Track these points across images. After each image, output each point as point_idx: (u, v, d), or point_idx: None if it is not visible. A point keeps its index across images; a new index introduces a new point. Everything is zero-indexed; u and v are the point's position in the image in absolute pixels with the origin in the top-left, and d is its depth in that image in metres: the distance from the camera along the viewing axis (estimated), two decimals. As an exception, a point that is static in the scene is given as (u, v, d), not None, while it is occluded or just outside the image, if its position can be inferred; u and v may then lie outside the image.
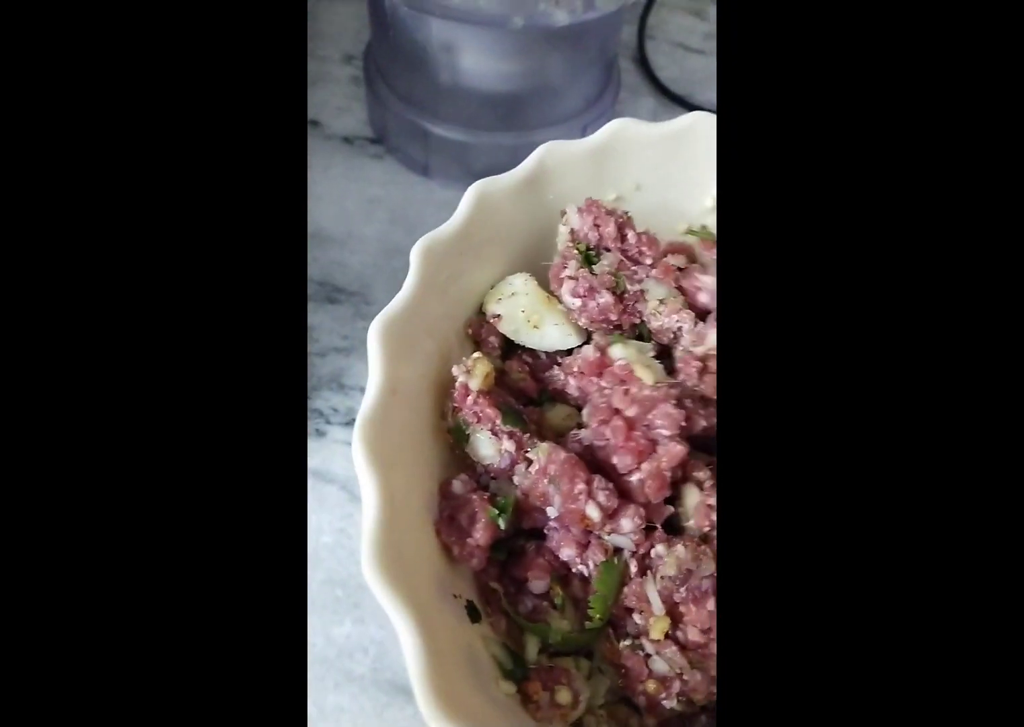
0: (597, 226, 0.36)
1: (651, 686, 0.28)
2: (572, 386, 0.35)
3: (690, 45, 0.67)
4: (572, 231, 0.36)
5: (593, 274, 0.35)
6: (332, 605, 0.38)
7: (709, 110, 0.61)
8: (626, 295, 0.35)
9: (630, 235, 0.36)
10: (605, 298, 0.34)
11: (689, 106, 0.61)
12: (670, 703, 0.28)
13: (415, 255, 0.33)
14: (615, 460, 0.31)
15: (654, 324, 0.35)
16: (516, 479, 0.32)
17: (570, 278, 0.35)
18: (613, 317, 0.35)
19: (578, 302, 0.35)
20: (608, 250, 0.36)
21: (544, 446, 0.31)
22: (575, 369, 0.35)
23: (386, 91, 0.54)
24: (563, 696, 0.28)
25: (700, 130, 0.39)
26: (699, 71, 0.65)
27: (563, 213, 0.37)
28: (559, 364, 0.36)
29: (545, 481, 0.30)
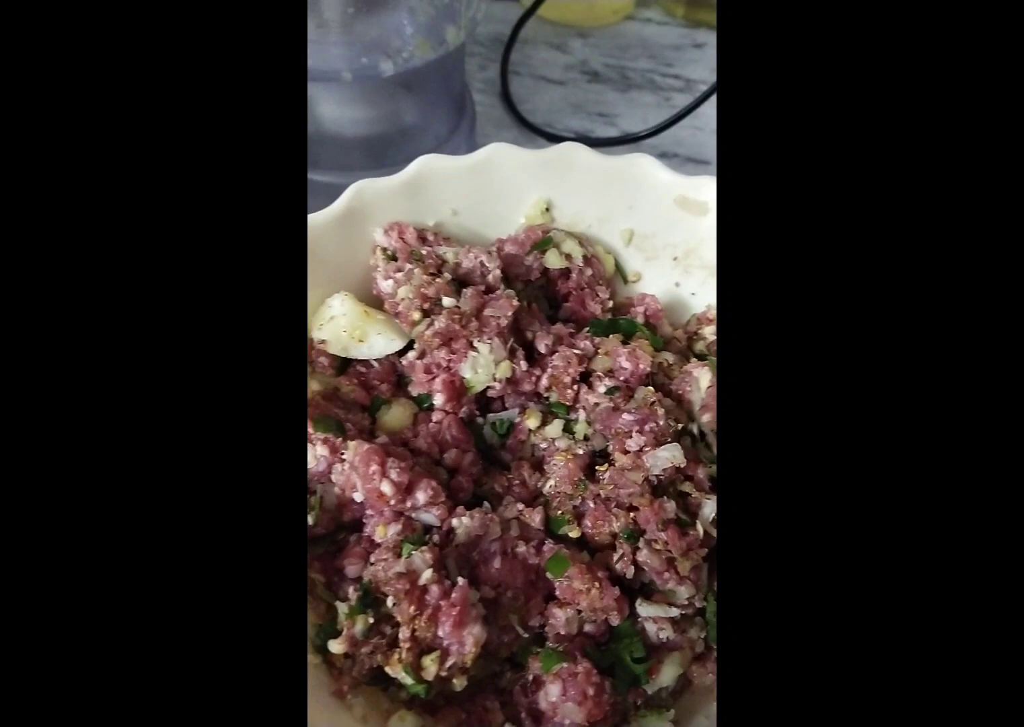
0: (402, 238, 0.41)
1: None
2: (420, 376, 0.39)
3: (551, 77, 0.73)
4: (382, 249, 0.41)
5: (396, 260, 0.41)
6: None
7: (567, 137, 0.67)
8: (426, 263, 0.40)
9: (430, 237, 0.41)
10: (410, 265, 0.40)
11: (548, 135, 0.67)
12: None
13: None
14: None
15: (462, 268, 0.41)
16: (335, 477, 0.36)
17: (380, 271, 0.41)
18: (424, 276, 0.39)
19: (391, 283, 0.40)
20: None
21: (352, 444, 0.35)
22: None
23: (259, 143, 0.60)
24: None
25: (499, 158, 0.44)
26: (558, 101, 0.71)
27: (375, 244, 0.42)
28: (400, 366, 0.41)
29: (352, 473, 0.34)
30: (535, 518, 0.35)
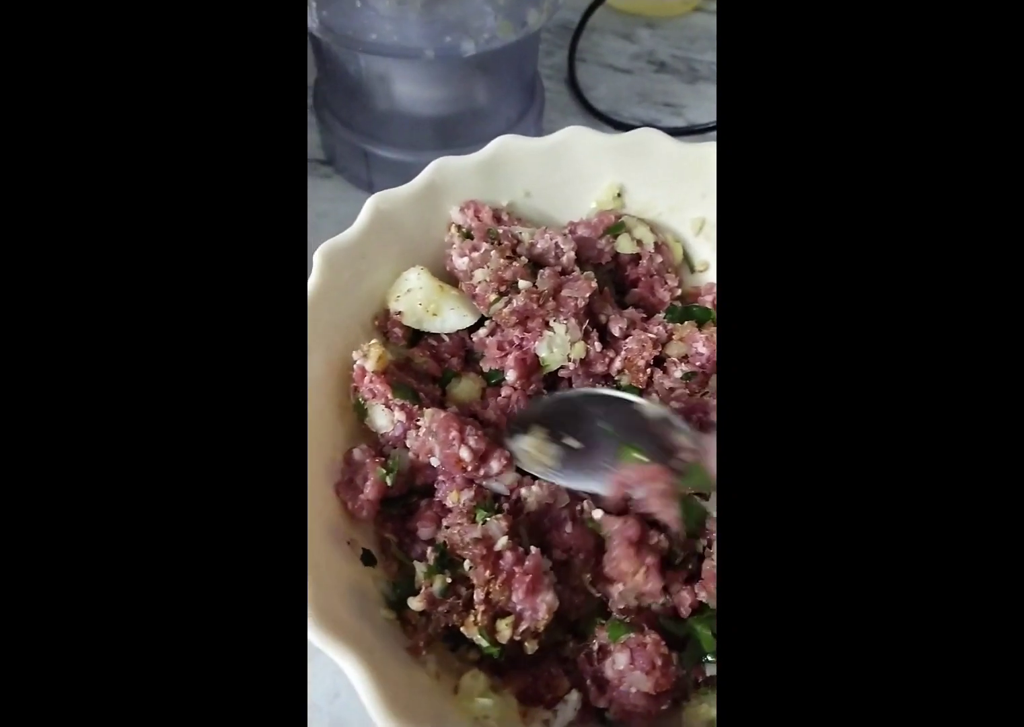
0: (478, 216, 0.42)
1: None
2: (493, 352, 0.40)
3: (618, 66, 0.73)
4: (457, 227, 0.42)
5: (471, 238, 0.42)
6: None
7: (633, 125, 0.68)
8: (502, 244, 0.41)
9: (504, 216, 0.42)
10: (486, 244, 0.41)
11: (614, 123, 0.67)
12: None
13: (317, 258, 0.38)
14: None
15: (537, 249, 0.41)
16: (409, 442, 0.37)
17: (455, 249, 0.42)
18: (501, 260, 0.40)
19: (466, 260, 0.41)
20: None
21: (429, 411, 0.36)
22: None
23: (331, 118, 0.61)
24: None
25: (575, 142, 0.44)
26: (624, 89, 0.71)
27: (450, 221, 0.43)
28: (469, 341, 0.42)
29: (430, 438, 0.35)
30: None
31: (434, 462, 0.35)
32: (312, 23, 0.50)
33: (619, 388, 0.39)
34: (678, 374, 0.38)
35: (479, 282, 0.40)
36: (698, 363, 0.38)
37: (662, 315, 0.41)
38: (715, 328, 0.40)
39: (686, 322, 0.40)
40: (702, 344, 0.38)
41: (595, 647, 0.33)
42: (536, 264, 0.42)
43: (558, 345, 0.38)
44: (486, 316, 0.41)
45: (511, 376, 0.39)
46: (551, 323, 0.38)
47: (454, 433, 0.34)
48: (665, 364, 0.39)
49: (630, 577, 0.33)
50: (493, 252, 0.40)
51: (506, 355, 0.39)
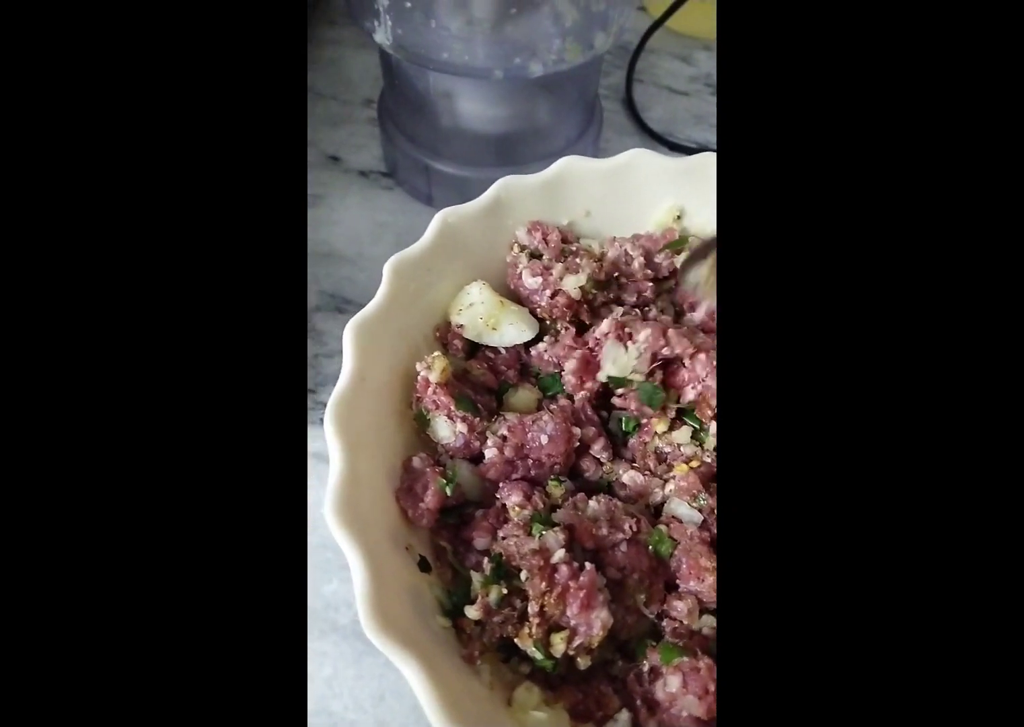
0: (545, 239, 0.43)
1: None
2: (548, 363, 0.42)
3: (675, 87, 0.73)
4: (521, 246, 0.43)
5: (538, 258, 0.43)
6: (323, 565, 0.45)
7: (688, 146, 0.68)
8: (581, 254, 0.43)
9: (569, 236, 0.43)
10: (558, 268, 0.42)
11: (669, 143, 0.68)
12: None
13: (387, 270, 0.40)
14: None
15: (609, 257, 0.44)
16: (490, 439, 0.38)
17: (526, 268, 0.43)
18: (572, 281, 0.41)
19: (539, 279, 0.42)
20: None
21: (510, 414, 0.38)
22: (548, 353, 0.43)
23: (395, 131, 0.62)
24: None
25: (638, 164, 0.45)
26: (681, 111, 0.71)
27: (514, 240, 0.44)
28: (527, 355, 0.44)
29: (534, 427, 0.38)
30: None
31: (543, 439, 0.37)
32: (386, 40, 0.52)
33: (682, 411, 0.40)
34: None
35: (574, 288, 0.41)
36: None
37: None
38: None
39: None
40: None
41: (646, 668, 0.33)
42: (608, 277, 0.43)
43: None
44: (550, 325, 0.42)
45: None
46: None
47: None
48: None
49: (709, 574, 0.34)
50: (582, 260, 0.42)
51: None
